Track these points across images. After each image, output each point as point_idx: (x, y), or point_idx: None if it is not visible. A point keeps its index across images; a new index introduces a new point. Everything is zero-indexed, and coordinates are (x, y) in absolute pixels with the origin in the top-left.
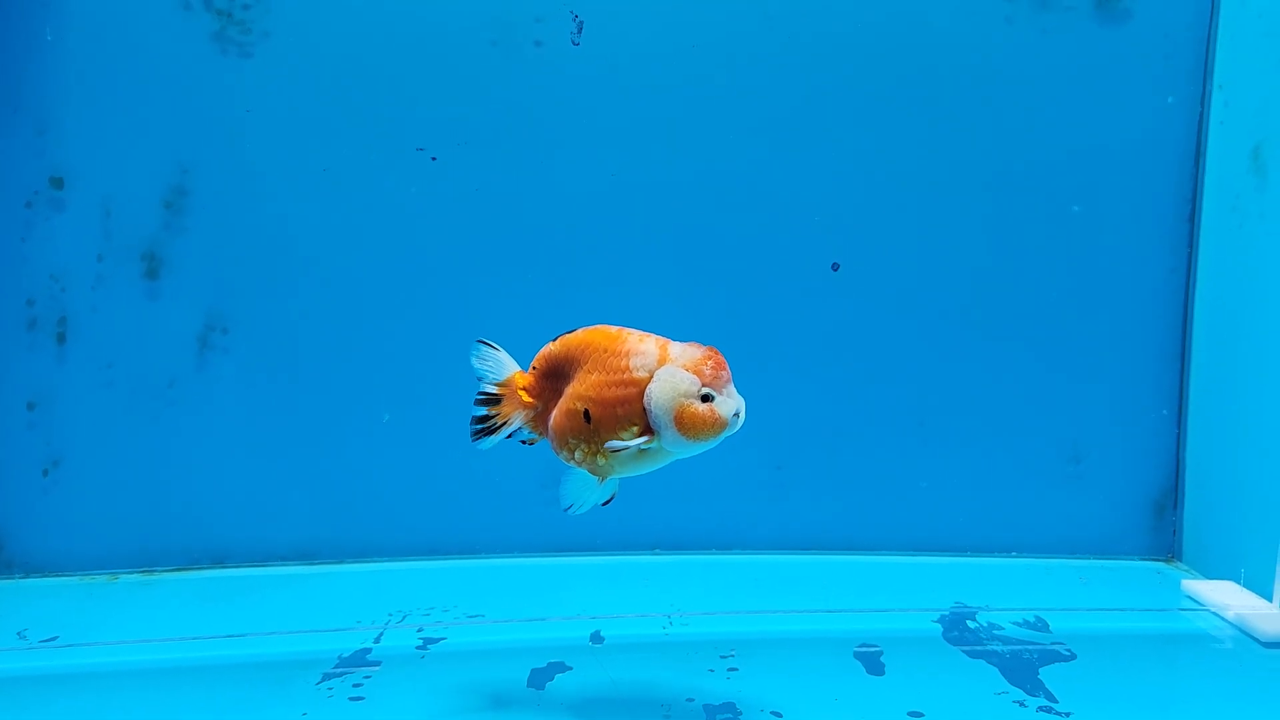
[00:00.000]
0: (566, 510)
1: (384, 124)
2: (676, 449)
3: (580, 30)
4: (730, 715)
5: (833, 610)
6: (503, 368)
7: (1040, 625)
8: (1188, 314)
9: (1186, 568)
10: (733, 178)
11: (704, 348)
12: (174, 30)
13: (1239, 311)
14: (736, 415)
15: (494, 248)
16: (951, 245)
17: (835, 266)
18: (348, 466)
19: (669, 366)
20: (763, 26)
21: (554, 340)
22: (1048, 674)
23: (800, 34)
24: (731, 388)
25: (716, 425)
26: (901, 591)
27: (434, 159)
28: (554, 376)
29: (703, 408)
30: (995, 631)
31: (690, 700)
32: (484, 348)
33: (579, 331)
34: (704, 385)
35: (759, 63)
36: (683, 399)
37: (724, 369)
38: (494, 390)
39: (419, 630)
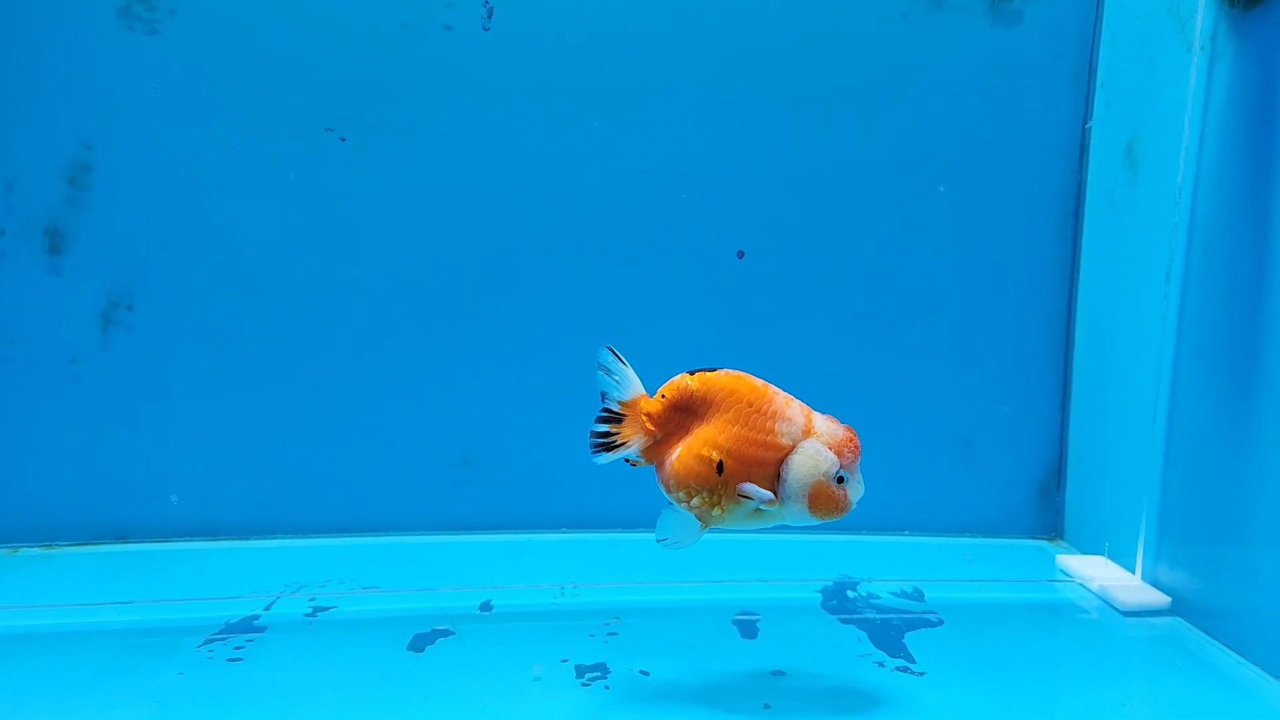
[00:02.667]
0: (661, 542)
1: (292, 104)
2: (793, 518)
3: (490, 16)
4: (599, 674)
5: (721, 581)
6: (627, 385)
7: (916, 595)
8: (1071, 305)
9: (1068, 545)
10: (640, 164)
11: (844, 427)
12: (81, 6)
13: (1115, 304)
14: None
15: (401, 229)
16: (847, 236)
17: (740, 254)
18: (253, 444)
19: (813, 441)
20: (668, 20)
21: (691, 374)
22: (913, 638)
23: (705, 27)
24: (859, 472)
25: (844, 509)
26: (791, 565)
27: (343, 140)
28: (683, 411)
29: (837, 490)
30: (872, 601)
31: (564, 661)
32: (611, 358)
33: (720, 374)
34: (841, 466)
35: (665, 54)
36: (822, 477)
37: (859, 453)
38: (618, 409)
39: (311, 600)
